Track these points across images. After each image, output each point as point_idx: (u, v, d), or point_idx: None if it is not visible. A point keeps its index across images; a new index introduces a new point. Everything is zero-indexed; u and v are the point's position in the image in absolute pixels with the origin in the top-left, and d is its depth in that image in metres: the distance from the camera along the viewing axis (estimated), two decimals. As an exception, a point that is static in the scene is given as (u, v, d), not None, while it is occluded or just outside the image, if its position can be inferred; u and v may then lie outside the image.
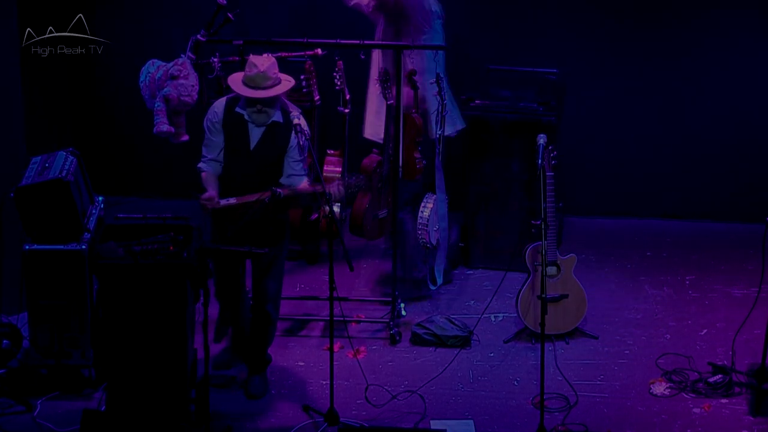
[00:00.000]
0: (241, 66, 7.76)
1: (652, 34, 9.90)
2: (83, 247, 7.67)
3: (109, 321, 7.16)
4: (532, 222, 8.00)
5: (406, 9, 8.56)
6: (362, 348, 8.33)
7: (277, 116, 7.44)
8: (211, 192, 7.40)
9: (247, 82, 7.34)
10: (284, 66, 7.72)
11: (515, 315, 8.47)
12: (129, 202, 10.03)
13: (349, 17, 9.59)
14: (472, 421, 7.55)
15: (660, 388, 7.88)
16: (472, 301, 8.97)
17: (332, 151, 8.58)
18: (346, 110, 8.37)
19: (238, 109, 7.45)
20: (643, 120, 10.07)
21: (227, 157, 7.49)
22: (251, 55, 7.39)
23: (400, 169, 8.49)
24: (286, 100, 7.54)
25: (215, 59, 8.11)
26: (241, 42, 8.03)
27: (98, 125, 10.35)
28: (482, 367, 8.17)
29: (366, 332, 8.58)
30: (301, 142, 7.42)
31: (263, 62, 7.34)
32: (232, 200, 7.34)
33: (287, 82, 7.44)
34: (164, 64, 7.93)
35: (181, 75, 7.84)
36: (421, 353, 8.33)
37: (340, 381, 7.81)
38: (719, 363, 8.01)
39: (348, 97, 8.34)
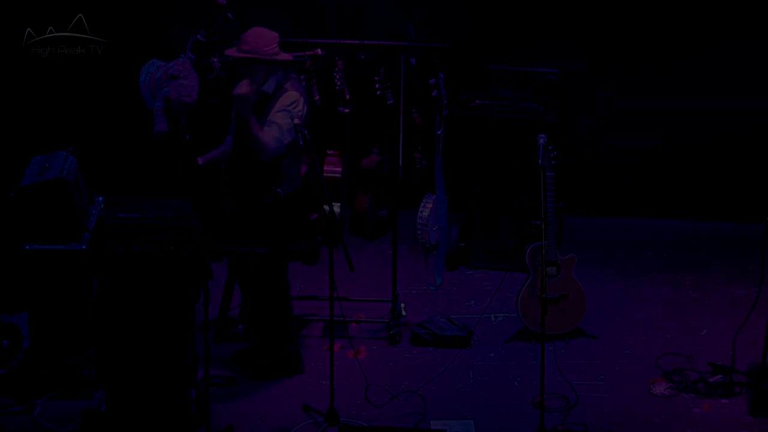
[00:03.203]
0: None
1: (653, 34, 9.90)
2: (83, 246, 7.67)
3: (109, 321, 7.16)
4: (532, 222, 8.00)
5: None
6: (362, 348, 8.33)
7: (268, 87, 7.66)
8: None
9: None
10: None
11: (515, 315, 8.47)
12: (129, 202, 10.02)
13: (349, 17, 9.60)
14: (472, 421, 7.55)
15: (660, 388, 7.88)
16: (472, 301, 8.97)
17: (332, 151, 8.57)
18: (346, 110, 8.36)
19: None
20: (643, 119, 10.07)
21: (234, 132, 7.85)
22: None
23: (400, 169, 8.49)
24: (293, 79, 7.79)
25: (215, 59, 8.10)
26: (241, 42, 8.03)
27: (98, 125, 10.35)
28: (482, 367, 8.17)
29: (366, 332, 8.57)
30: (300, 142, 7.44)
31: (252, 32, 7.68)
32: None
33: (264, 55, 7.61)
34: (164, 64, 7.91)
35: (181, 75, 7.83)
36: (421, 353, 8.32)
37: (340, 381, 7.80)
38: (719, 363, 8.01)
39: (348, 97, 8.33)
